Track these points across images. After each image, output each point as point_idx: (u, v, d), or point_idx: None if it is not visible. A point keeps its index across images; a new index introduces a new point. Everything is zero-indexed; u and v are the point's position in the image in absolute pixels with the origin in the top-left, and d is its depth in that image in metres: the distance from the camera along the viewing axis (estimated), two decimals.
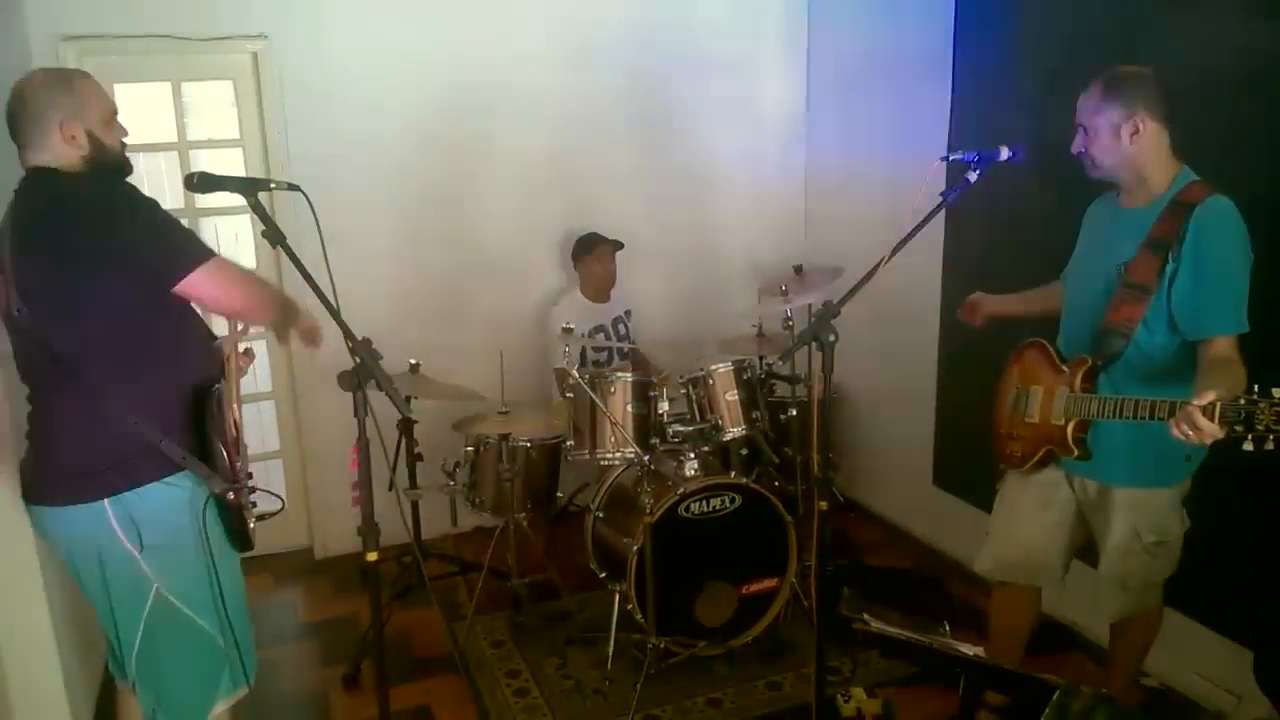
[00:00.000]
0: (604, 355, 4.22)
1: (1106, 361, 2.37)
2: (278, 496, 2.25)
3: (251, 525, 2.22)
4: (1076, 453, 2.41)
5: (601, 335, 4.20)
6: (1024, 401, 2.55)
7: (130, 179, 2.15)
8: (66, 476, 2.07)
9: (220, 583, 2.16)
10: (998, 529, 2.76)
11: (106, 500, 2.04)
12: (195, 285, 2.03)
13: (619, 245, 4.23)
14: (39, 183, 2.05)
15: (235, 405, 2.22)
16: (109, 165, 2.12)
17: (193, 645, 2.19)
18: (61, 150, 2.05)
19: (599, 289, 4.21)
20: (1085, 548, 2.66)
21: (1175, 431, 1.96)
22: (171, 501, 2.10)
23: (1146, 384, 2.32)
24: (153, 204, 2.05)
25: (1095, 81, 2.34)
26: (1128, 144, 2.31)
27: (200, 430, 2.11)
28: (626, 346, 4.16)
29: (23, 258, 1.98)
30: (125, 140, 2.18)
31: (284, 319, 2.30)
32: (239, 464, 2.16)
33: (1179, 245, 2.26)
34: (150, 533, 2.08)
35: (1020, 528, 2.69)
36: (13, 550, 2.44)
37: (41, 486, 2.10)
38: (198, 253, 2.04)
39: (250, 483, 2.20)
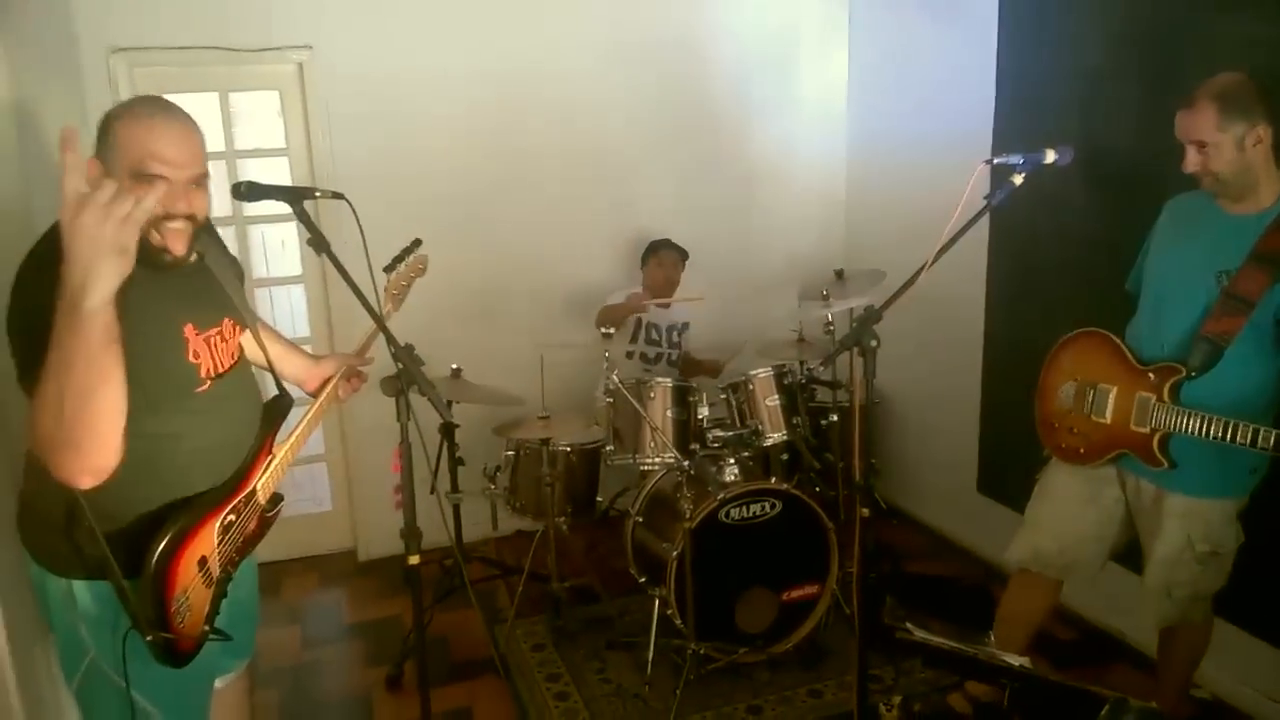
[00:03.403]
0: (653, 352, 4.20)
1: (1199, 372, 2.31)
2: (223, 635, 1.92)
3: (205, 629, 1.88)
4: (1166, 464, 2.36)
5: (654, 332, 4.19)
6: (1090, 397, 2.50)
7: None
8: (25, 522, 1.87)
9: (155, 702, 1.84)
10: (1038, 518, 2.72)
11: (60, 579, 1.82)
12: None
13: (684, 254, 4.21)
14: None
15: (289, 444, 2.07)
16: None
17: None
18: None
19: (658, 294, 4.18)
20: (1130, 552, 2.61)
21: None
22: (106, 600, 1.79)
23: (1219, 398, 2.27)
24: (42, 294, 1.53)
25: (1204, 98, 2.24)
26: (1250, 152, 2.23)
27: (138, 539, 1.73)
28: (675, 354, 4.12)
29: None
30: (172, 215, 1.70)
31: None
32: (176, 605, 1.76)
33: None
34: (87, 604, 1.82)
35: (1063, 520, 2.65)
36: None
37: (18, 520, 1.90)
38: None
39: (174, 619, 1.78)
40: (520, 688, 3.28)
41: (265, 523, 2.04)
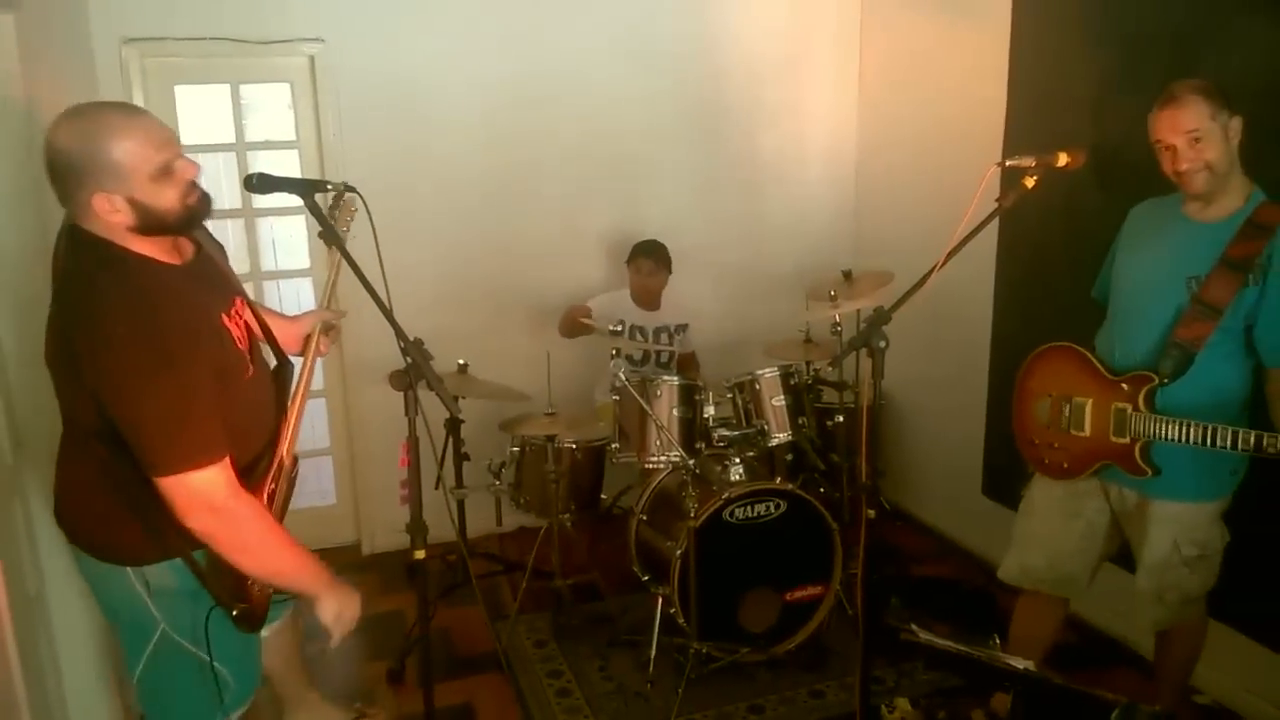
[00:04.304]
0: (639, 353, 4.19)
1: (1171, 379, 2.31)
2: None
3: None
4: (1150, 473, 2.36)
5: (639, 335, 4.18)
6: (1066, 412, 2.50)
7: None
8: (77, 523, 1.95)
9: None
10: (1023, 535, 2.73)
11: (127, 569, 1.91)
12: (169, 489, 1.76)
13: (662, 260, 4.09)
14: (81, 255, 1.78)
15: (296, 406, 2.14)
16: (167, 226, 1.80)
17: (196, 681, 1.99)
18: (102, 224, 1.75)
19: (640, 298, 4.16)
20: (1127, 555, 2.61)
21: None
22: (180, 571, 1.90)
23: (1194, 403, 2.27)
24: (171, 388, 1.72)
25: (1187, 92, 2.24)
26: (1233, 146, 2.24)
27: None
28: (665, 351, 4.11)
29: (53, 310, 1.81)
30: (195, 179, 1.82)
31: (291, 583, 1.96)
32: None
33: (1262, 269, 2.21)
34: (159, 581, 1.92)
35: (1047, 536, 2.66)
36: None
37: (61, 520, 1.98)
38: (183, 458, 1.74)
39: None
40: (522, 684, 3.28)
41: (291, 482, 2.14)
